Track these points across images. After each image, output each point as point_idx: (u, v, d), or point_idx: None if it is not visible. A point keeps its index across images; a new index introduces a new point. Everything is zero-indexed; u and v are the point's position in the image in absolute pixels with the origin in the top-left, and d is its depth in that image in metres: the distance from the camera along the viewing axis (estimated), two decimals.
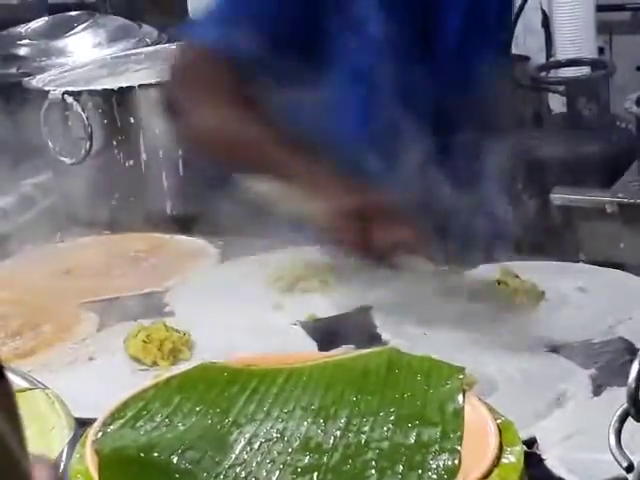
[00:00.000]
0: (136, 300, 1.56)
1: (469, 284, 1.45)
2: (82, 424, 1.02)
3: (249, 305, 1.51)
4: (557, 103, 2.51)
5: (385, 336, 1.36)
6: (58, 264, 1.74)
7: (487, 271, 1.48)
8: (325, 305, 1.49)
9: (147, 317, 1.49)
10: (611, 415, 1.05)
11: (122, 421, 0.88)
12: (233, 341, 1.36)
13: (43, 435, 1.05)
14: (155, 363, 1.35)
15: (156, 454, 0.84)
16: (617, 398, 1.15)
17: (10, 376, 1.14)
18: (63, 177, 2.09)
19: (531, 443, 1.04)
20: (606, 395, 1.18)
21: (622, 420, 0.71)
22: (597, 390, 1.19)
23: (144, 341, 1.36)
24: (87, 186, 2.03)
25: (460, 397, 0.87)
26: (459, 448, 0.81)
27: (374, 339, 1.35)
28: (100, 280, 1.66)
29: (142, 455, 0.83)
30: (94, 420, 0.93)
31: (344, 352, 1.07)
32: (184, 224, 1.85)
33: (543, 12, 2.63)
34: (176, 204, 1.97)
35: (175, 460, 0.83)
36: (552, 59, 2.56)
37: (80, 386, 1.28)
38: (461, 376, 0.89)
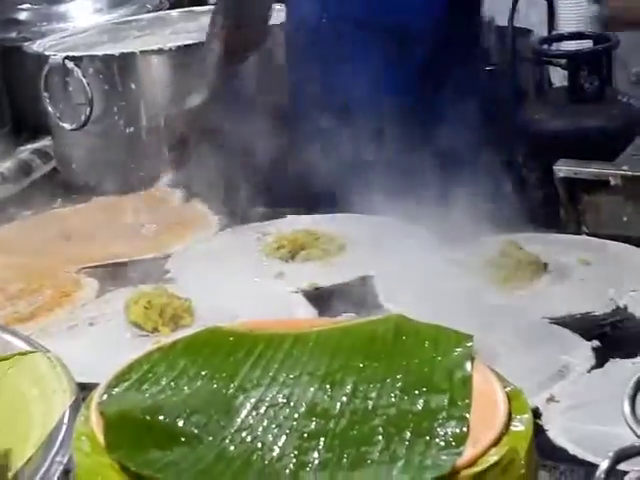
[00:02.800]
0: (137, 266, 1.56)
1: (472, 255, 1.44)
2: (82, 389, 1.02)
3: (250, 273, 1.51)
4: (558, 76, 2.49)
5: (386, 305, 1.36)
6: (58, 229, 1.73)
7: (491, 242, 1.48)
8: (326, 274, 1.48)
9: (148, 283, 1.48)
10: (613, 386, 1.06)
11: (127, 384, 0.88)
12: (234, 308, 1.36)
13: (44, 398, 1.04)
14: (156, 329, 1.34)
15: (161, 417, 0.83)
16: (619, 370, 1.16)
17: (11, 339, 1.14)
18: (63, 143, 2.08)
19: (534, 414, 1.04)
20: (608, 367, 1.18)
21: (637, 388, 0.71)
22: (599, 362, 1.19)
23: (145, 307, 1.36)
24: (87, 152, 2.02)
25: (468, 364, 0.87)
26: (467, 415, 0.81)
27: (375, 308, 1.35)
28: (100, 246, 1.65)
29: (147, 418, 0.83)
30: (94, 385, 0.92)
31: (348, 319, 1.06)
32: (184, 191, 1.84)
33: None
34: (175, 170, 1.96)
35: (180, 423, 0.83)
36: (554, 32, 2.55)
37: (80, 351, 1.28)
38: (469, 343, 0.89)
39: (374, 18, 1.69)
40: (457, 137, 1.64)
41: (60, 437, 0.96)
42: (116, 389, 0.87)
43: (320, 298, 1.41)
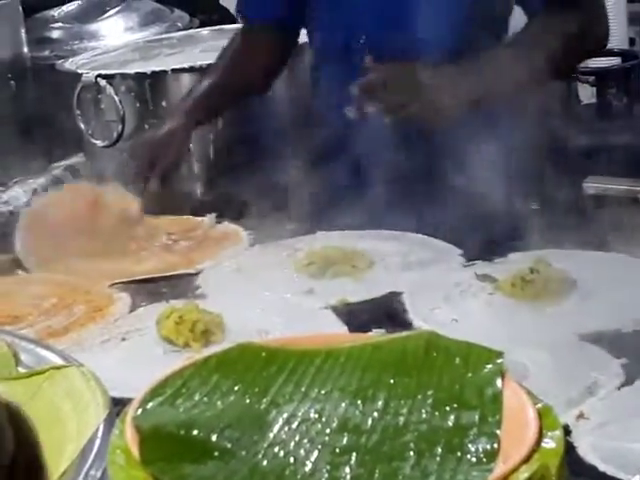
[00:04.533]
0: (168, 282, 1.57)
1: (502, 272, 1.45)
2: (115, 403, 1.03)
3: (280, 289, 1.52)
4: (587, 94, 2.49)
5: (415, 322, 1.37)
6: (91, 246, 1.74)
7: (519, 259, 1.48)
8: (356, 290, 1.49)
9: (179, 299, 1.50)
10: None
11: (161, 398, 0.89)
12: (264, 324, 1.37)
13: (78, 412, 1.05)
14: (187, 344, 1.35)
15: (195, 432, 0.84)
16: None
17: (45, 353, 1.15)
18: (95, 160, 2.10)
19: (563, 431, 1.04)
20: (638, 384, 1.18)
21: None
22: (629, 379, 1.19)
23: (176, 322, 1.37)
24: (118, 169, 2.04)
25: (499, 381, 0.87)
26: (498, 432, 0.82)
27: (404, 324, 1.36)
28: (132, 261, 1.67)
29: (182, 432, 0.84)
30: (126, 399, 0.93)
31: (379, 335, 1.07)
32: (214, 208, 1.86)
33: None
34: (207, 188, 1.98)
35: (214, 438, 0.84)
36: None
37: (112, 366, 1.29)
38: (500, 360, 0.89)
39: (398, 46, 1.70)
40: (485, 154, 1.65)
41: (94, 451, 0.97)
42: (150, 403, 0.89)
43: (350, 314, 1.41)
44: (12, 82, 2.22)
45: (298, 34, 1.93)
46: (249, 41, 1.89)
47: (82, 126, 2.04)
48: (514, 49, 1.68)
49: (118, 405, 0.98)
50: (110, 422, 0.97)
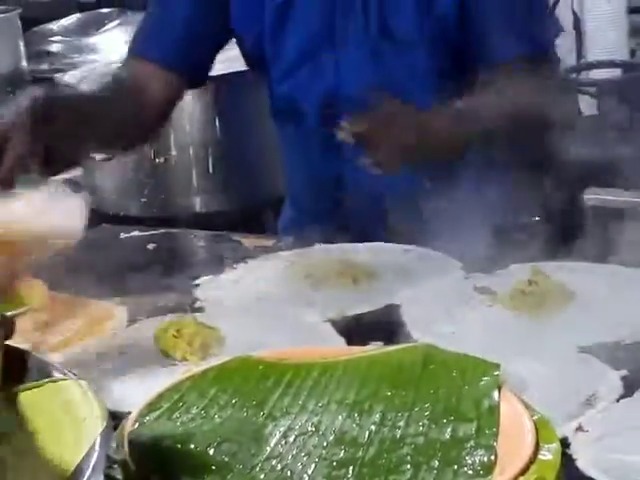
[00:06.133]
0: (166, 295, 1.57)
1: (500, 284, 1.45)
2: (112, 417, 1.03)
3: (279, 301, 1.52)
4: (587, 105, 2.50)
5: (414, 334, 1.36)
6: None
7: (518, 271, 1.48)
8: (354, 302, 1.49)
9: (176, 312, 1.49)
10: None
11: (158, 412, 0.89)
12: (263, 337, 1.36)
13: (75, 425, 1.05)
14: (185, 358, 1.35)
15: (192, 445, 0.84)
16: None
17: (42, 367, 1.15)
18: (93, 173, 2.10)
19: (563, 444, 1.04)
20: (637, 396, 1.18)
21: None
22: (628, 391, 1.18)
23: (174, 336, 1.36)
24: (117, 182, 2.05)
25: (496, 393, 0.87)
26: (495, 444, 0.82)
27: (403, 336, 1.35)
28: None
29: (179, 446, 0.84)
30: (124, 413, 0.93)
31: (376, 348, 1.07)
32: (211, 221, 1.86)
33: (574, 13, 2.62)
34: (205, 201, 1.98)
35: (212, 452, 0.84)
36: (583, 61, 2.55)
37: (110, 379, 1.29)
38: (497, 372, 0.89)
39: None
40: (485, 167, 1.65)
41: (92, 464, 0.97)
42: (147, 417, 0.89)
43: (348, 327, 1.41)
44: (11, 95, 2.22)
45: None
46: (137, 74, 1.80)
47: None
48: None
49: (116, 419, 0.97)
50: (107, 435, 0.96)
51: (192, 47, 1.78)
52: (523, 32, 1.66)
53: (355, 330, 1.39)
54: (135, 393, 0.99)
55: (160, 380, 0.99)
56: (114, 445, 0.86)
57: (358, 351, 1.01)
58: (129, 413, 0.91)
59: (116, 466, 0.83)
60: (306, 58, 1.72)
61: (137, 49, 1.84)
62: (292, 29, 1.71)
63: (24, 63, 2.29)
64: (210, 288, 1.61)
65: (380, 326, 1.40)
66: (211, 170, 2.04)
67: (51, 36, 2.42)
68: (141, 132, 1.78)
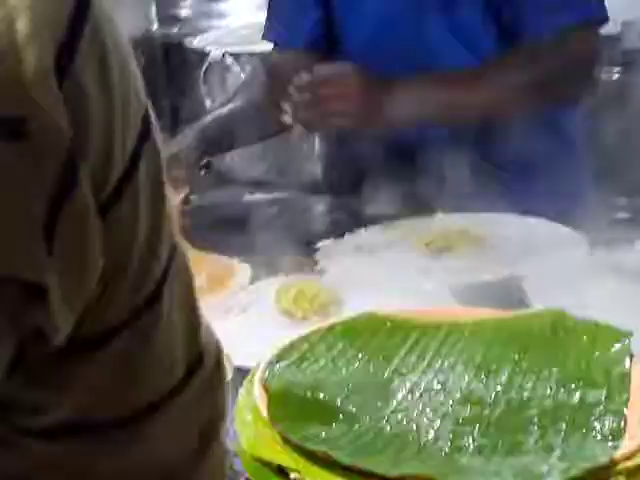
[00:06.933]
0: (287, 257, 1.59)
1: (626, 260, 1.43)
2: (236, 371, 1.05)
3: (398, 268, 1.52)
4: None
5: (535, 304, 1.35)
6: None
7: None
8: (474, 271, 1.48)
9: (298, 273, 1.52)
10: None
11: (288, 361, 0.91)
12: (381, 302, 1.37)
13: None
14: (305, 318, 1.37)
15: (322, 394, 0.86)
16: None
17: None
18: None
19: None
20: None
21: None
22: None
23: (296, 296, 1.39)
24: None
25: (627, 361, 0.87)
26: (625, 410, 0.81)
27: (523, 306, 1.34)
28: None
29: (308, 394, 0.86)
30: (247, 368, 0.95)
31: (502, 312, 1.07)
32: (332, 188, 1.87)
33: None
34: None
35: (339, 402, 0.85)
36: None
37: (233, 336, 1.31)
38: (628, 340, 0.89)
39: None
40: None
41: None
42: (278, 365, 0.91)
43: (466, 295, 1.41)
44: (142, 58, 2.27)
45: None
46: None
47: (207, 103, 2.07)
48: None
49: (240, 372, 1.00)
50: (235, 387, 0.99)
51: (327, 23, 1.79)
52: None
53: (474, 298, 1.39)
54: (257, 349, 1.01)
55: (281, 338, 1.01)
56: (244, 391, 0.88)
57: (486, 314, 1.01)
58: (252, 368, 0.93)
59: (247, 411, 0.85)
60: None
61: (282, 41, 1.84)
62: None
63: (155, 27, 2.34)
64: (331, 252, 1.62)
65: (500, 295, 1.39)
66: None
67: (182, 1, 2.47)
68: None
